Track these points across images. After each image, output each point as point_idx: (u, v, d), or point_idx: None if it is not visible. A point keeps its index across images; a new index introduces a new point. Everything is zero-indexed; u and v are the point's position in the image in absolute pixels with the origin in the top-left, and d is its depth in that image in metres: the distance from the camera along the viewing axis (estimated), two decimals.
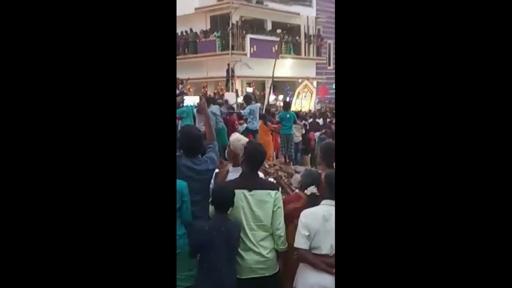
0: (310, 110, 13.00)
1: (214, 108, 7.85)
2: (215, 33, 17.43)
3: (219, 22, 17.90)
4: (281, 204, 2.46)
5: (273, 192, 2.44)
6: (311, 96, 14.15)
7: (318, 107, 14.26)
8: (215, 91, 16.01)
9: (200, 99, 3.21)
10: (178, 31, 18.67)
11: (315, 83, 17.08)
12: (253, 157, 2.52)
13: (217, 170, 2.87)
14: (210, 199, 2.43)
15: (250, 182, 2.44)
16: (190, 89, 13.81)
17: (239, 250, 2.36)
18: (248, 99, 9.35)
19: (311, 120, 10.85)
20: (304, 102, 13.92)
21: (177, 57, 18.30)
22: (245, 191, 2.40)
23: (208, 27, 18.32)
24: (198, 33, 18.05)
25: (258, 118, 8.49)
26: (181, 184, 2.52)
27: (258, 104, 9.73)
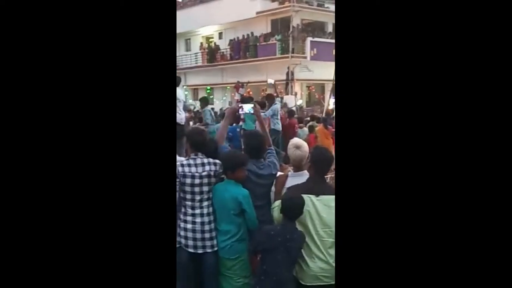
0: None
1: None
2: (275, 36, 17.54)
3: (280, 25, 18.01)
4: None
5: None
6: None
7: None
8: (274, 94, 16.09)
9: (255, 105, 3.24)
10: (239, 35, 19.08)
11: None
12: (320, 163, 2.48)
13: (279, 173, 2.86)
14: (276, 205, 2.43)
15: (317, 187, 2.41)
16: (250, 92, 14.00)
17: (305, 256, 2.34)
18: (271, 98, 8.71)
19: None
20: None
21: (238, 60, 18.74)
22: (312, 196, 2.36)
23: (269, 30, 18.50)
24: (259, 36, 18.28)
25: (279, 117, 8.19)
26: (239, 192, 2.51)
27: (279, 103, 9.30)
